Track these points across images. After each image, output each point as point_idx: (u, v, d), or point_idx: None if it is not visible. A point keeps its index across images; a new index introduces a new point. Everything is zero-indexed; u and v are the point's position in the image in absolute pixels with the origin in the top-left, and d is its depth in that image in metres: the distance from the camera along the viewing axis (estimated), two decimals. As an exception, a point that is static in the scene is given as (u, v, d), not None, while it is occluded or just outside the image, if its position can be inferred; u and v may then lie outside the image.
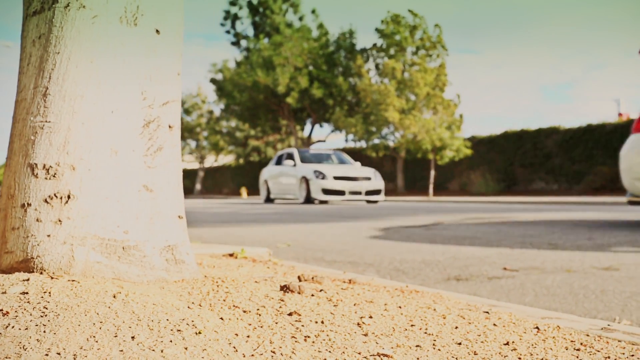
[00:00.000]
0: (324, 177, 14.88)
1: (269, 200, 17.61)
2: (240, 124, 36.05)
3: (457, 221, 6.87)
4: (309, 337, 0.90)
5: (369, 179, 15.52)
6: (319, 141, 32.21)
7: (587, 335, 1.00)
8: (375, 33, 26.86)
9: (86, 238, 1.18)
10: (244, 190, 31.82)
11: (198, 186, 41.58)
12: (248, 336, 0.88)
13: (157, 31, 1.33)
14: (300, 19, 34.47)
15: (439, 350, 0.87)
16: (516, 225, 6.11)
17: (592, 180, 20.00)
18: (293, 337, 0.90)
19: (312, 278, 1.39)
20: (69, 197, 1.18)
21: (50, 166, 1.18)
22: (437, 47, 26.07)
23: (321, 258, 3.78)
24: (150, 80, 1.31)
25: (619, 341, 0.97)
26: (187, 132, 41.39)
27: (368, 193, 15.28)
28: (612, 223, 6.18)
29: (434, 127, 22.82)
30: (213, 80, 32.38)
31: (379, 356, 0.83)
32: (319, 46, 28.53)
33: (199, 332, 0.85)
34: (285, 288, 1.23)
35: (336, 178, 15.02)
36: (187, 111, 41.47)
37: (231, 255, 2.08)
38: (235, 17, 35.78)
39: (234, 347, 0.82)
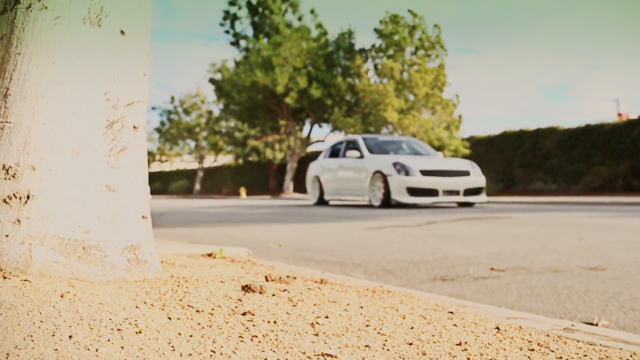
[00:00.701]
0: (407, 172, 10.89)
1: (322, 202, 13.97)
2: (239, 124, 36.03)
3: (451, 221, 6.86)
4: (256, 336, 0.90)
5: (466, 173, 11.50)
6: (317, 141, 32.18)
7: (548, 336, 1.00)
8: (374, 33, 26.85)
9: (45, 238, 1.18)
10: (243, 191, 31.81)
11: (197, 186, 41.56)
12: (191, 335, 0.88)
13: (122, 32, 1.33)
14: (300, 19, 34.46)
15: (387, 350, 0.87)
16: (510, 225, 6.10)
17: (591, 180, 19.99)
18: (240, 336, 0.90)
19: (280, 278, 1.38)
20: (28, 197, 1.18)
21: (10, 166, 1.18)
22: (436, 48, 26.04)
23: (310, 258, 3.77)
24: (114, 80, 1.31)
25: (578, 341, 0.96)
26: (187, 132, 41.38)
27: (467, 192, 11.31)
28: (606, 223, 6.17)
29: (432, 127, 22.81)
30: (212, 80, 32.36)
31: (323, 356, 0.83)
32: (318, 46, 28.51)
33: (140, 332, 0.85)
34: (246, 288, 1.23)
35: (424, 173, 11.02)
36: (186, 111, 41.44)
37: (210, 255, 2.08)
38: (234, 17, 35.76)
39: (172, 347, 0.81)
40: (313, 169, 14.53)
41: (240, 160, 38.36)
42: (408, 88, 24.53)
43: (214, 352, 0.81)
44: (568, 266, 3.16)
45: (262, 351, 0.83)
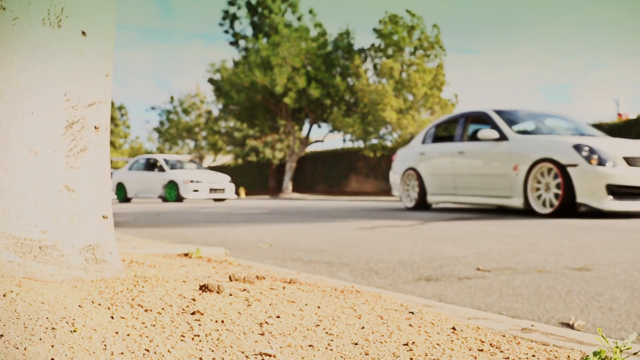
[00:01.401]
0: (603, 161, 6.92)
1: (423, 205, 9.88)
2: (238, 124, 36.05)
3: (446, 221, 6.86)
4: (198, 336, 0.90)
5: None
6: (316, 141, 32.20)
7: (503, 336, 0.99)
8: (373, 33, 26.85)
9: (0, 238, 1.18)
10: (242, 190, 31.81)
11: (197, 186, 41.53)
12: (128, 335, 0.88)
13: (84, 33, 1.33)
14: (299, 18, 34.46)
15: (331, 350, 0.87)
16: (504, 225, 6.10)
17: (589, 180, 19.99)
18: (182, 335, 0.90)
19: (244, 278, 1.38)
20: (-17, 197, 1.18)
21: (-34, 166, 1.17)
22: (435, 48, 26.06)
23: (299, 258, 3.77)
24: (75, 81, 1.31)
25: (532, 342, 0.96)
26: (186, 132, 41.39)
27: None
28: (597, 224, 6.17)
29: (430, 127, 22.81)
30: (211, 80, 32.37)
31: (262, 355, 0.82)
32: (317, 46, 28.51)
33: (74, 331, 0.85)
34: (204, 288, 1.23)
35: (630, 162, 7.04)
36: (185, 111, 41.46)
37: (186, 255, 2.08)
38: (233, 17, 35.77)
39: (105, 346, 0.81)
40: (404, 159, 10.35)
41: (240, 160, 38.37)
42: (407, 88, 24.54)
43: (147, 350, 0.81)
44: (554, 266, 3.16)
45: (200, 350, 0.83)
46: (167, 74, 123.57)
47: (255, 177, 38.86)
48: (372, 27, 26.76)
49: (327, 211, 10.47)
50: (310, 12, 32.31)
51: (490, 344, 0.93)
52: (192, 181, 18.05)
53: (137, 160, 21.10)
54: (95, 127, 1.34)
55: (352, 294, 1.38)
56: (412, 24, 26.11)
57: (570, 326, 1.89)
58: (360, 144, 27.53)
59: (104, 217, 1.37)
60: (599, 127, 21.05)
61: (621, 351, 0.80)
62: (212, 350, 0.84)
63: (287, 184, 30.54)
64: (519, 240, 4.48)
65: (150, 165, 20.10)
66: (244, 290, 1.25)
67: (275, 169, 36.55)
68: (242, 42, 35.84)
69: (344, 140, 29.11)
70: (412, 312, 1.15)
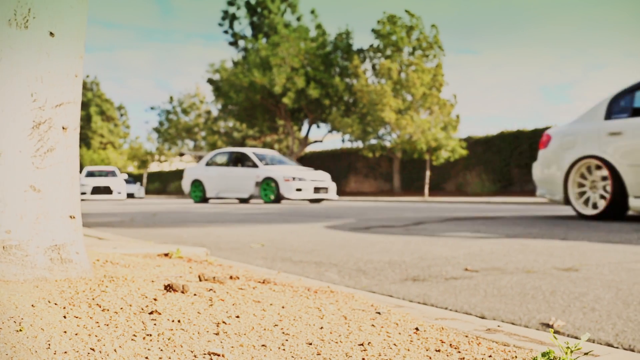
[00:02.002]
0: None
1: (617, 211, 6.25)
2: (237, 124, 36.06)
3: (440, 221, 6.85)
4: (150, 335, 0.90)
5: None
6: (316, 141, 32.20)
7: (466, 337, 0.99)
8: (372, 33, 26.86)
9: (-37, 238, 1.18)
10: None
11: (196, 186, 41.54)
12: (76, 334, 0.87)
13: (52, 34, 1.33)
14: (298, 19, 34.47)
15: (283, 350, 0.87)
16: (498, 225, 6.10)
17: (588, 180, 19.98)
18: (134, 335, 0.90)
19: (214, 278, 1.38)
20: (-53, 197, 1.17)
21: None
22: (434, 48, 26.07)
23: (289, 258, 3.77)
24: (42, 82, 1.31)
25: (493, 342, 0.96)
26: (185, 132, 41.41)
27: None
28: (592, 224, 6.16)
29: (429, 128, 22.82)
30: (210, 81, 32.39)
31: (210, 355, 0.82)
32: (316, 46, 28.52)
33: (20, 330, 0.85)
34: (168, 287, 1.23)
35: None
36: (185, 111, 41.48)
37: (166, 255, 2.08)
38: (233, 17, 35.80)
39: (49, 345, 0.81)
40: (575, 141, 6.73)
41: (239, 161, 38.32)
42: (405, 88, 24.55)
43: (93, 350, 0.81)
44: (542, 267, 3.16)
45: (148, 350, 0.83)
46: (167, 74, 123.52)
47: (255, 177, 38.86)
48: (371, 27, 26.77)
49: (324, 211, 10.47)
50: (312, 12, 32.30)
51: (450, 344, 0.93)
52: (294, 178, 15.48)
53: (216, 154, 18.13)
54: (63, 128, 1.34)
55: (325, 294, 1.38)
56: (410, 24, 26.12)
57: (549, 326, 1.89)
58: (359, 144, 27.54)
59: (71, 217, 1.37)
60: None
61: (571, 351, 0.80)
62: (161, 350, 0.84)
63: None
64: (511, 241, 4.48)
65: (236, 160, 17.15)
66: (210, 290, 1.26)
67: (275, 169, 36.50)
68: (241, 42, 35.87)
69: (343, 141, 29.13)
70: (379, 313, 1.15)
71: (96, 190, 25.85)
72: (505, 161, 23.85)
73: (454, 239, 4.74)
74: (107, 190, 26.13)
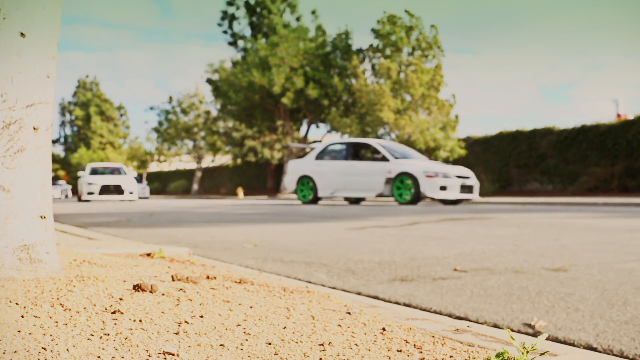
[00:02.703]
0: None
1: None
2: (236, 124, 36.07)
3: (435, 221, 6.85)
4: (107, 335, 0.90)
5: None
6: (315, 141, 32.21)
7: (433, 337, 0.99)
8: (371, 33, 26.86)
9: None
10: (240, 191, 31.82)
11: (195, 186, 41.58)
12: (30, 333, 0.88)
13: (22, 34, 1.33)
14: (298, 19, 34.47)
15: (240, 350, 0.87)
16: (492, 225, 6.10)
17: (586, 181, 19.98)
18: (91, 335, 0.90)
19: (187, 278, 1.39)
20: None
21: None
22: (433, 48, 26.06)
23: (280, 258, 3.77)
24: (12, 82, 1.31)
25: (459, 342, 0.96)
26: (185, 132, 41.41)
27: None
28: (587, 224, 6.16)
29: (427, 128, 22.82)
30: (209, 81, 32.38)
31: (164, 354, 0.83)
32: (315, 47, 28.52)
33: None
34: (137, 287, 1.23)
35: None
36: (184, 111, 41.48)
37: (149, 255, 2.08)
38: (232, 18, 35.80)
39: None
40: None
41: (239, 161, 38.38)
42: (404, 88, 24.54)
43: (44, 349, 0.81)
44: (532, 267, 3.15)
45: (102, 349, 0.84)
46: (166, 74, 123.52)
47: (254, 178, 38.88)
48: (371, 27, 26.77)
49: (321, 211, 10.47)
50: (313, 12, 32.27)
51: (414, 345, 0.93)
52: (437, 174, 13.09)
53: (329, 145, 15.57)
54: (34, 128, 1.34)
55: (302, 295, 1.38)
56: (410, 24, 26.12)
57: (531, 327, 1.89)
58: (358, 144, 27.50)
59: (41, 217, 1.38)
60: (596, 128, 21.02)
61: (527, 352, 0.80)
62: (116, 349, 0.84)
63: (286, 185, 30.52)
64: (504, 241, 4.48)
65: (357, 153, 14.74)
66: (180, 290, 1.26)
67: (274, 169, 36.56)
68: (240, 42, 35.88)
69: (342, 141, 29.12)
70: (350, 313, 1.15)
71: (105, 190, 22.82)
72: (504, 161, 23.86)
73: (446, 239, 4.74)
74: (117, 189, 23.01)
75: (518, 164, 23.39)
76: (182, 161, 47.76)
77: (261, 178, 38.13)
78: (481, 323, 1.97)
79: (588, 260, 3.37)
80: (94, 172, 24.48)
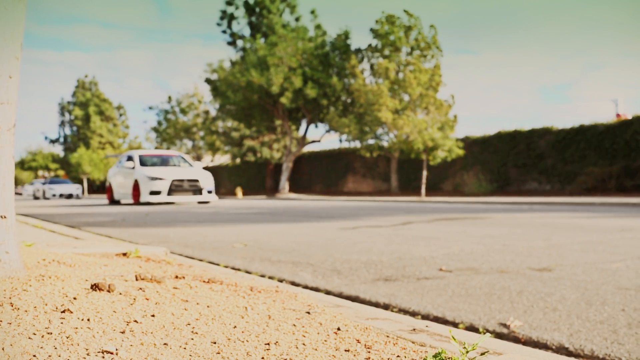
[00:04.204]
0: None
1: None
2: (235, 124, 36.07)
3: (428, 221, 6.85)
4: (50, 334, 0.90)
5: None
6: (313, 141, 32.20)
7: (387, 337, 0.99)
8: (370, 33, 26.83)
9: None
10: (239, 190, 31.81)
11: (195, 186, 41.52)
12: None
13: None
14: (297, 19, 34.45)
15: (184, 349, 0.87)
16: (484, 225, 6.10)
17: (584, 180, 19.96)
18: (33, 333, 0.90)
19: (151, 277, 1.39)
20: None
21: None
22: (432, 48, 26.04)
23: (268, 258, 3.77)
24: None
25: (411, 342, 0.96)
26: (184, 131, 41.40)
27: None
28: (578, 224, 6.16)
29: (425, 128, 22.81)
30: (208, 80, 32.36)
31: (103, 352, 0.83)
32: (314, 46, 28.50)
33: None
34: (94, 286, 1.23)
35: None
36: (183, 111, 41.47)
37: (125, 254, 2.08)
38: (231, 17, 35.76)
39: None
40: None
41: (238, 160, 38.36)
42: (402, 88, 24.53)
43: None
44: (518, 267, 3.15)
45: (41, 348, 0.84)
46: (166, 74, 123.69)
47: (253, 177, 38.86)
48: (370, 27, 26.75)
49: (317, 211, 10.47)
50: (312, 12, 32.23)
51: (365, 344, 0.93)
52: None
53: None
54: (-3, 128, 1.34)
55: (269, 294, 1.38)
56: (409, 24, 26.10)
57: (507, 327, 1.89)
58: (356, 144, 27.53)
59: (1, 217, 1.37)
60: (595, 128, 21.00)
61: (467, 352, 0.80)
62: (55, 348, 0.84)
63: (284, 184, 30.50)
64: (493, 241, 4.48)
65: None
66: (140, 289, 1.26)
67: (273, 169, 36.54)
68: (239, 42, 35.85)
69: (341, 141, 29.11)
70: (309, 313, 1.15)
71: (177, 188, 15.48)
72: (503, 161, 23.83)
73: (436, 239, 4.74)
74: (194, 187, 15.73)
75: (516, 164, 23.37)
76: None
77: (259, 178, 38.12)
78: (457, 323, 1.97)
79: (574, 260, 3.36)
80: (145, 162, 17.04)
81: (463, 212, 9.23)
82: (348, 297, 2.43)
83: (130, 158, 17.23)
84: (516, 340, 1.76)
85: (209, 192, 16.30)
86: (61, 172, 64.66)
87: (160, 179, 15.56)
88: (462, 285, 2.64)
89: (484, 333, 1.85)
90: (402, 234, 5.25)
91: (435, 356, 0.80)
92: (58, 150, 70.59)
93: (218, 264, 3.46)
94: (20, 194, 59.13)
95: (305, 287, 2.70)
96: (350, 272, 3.13)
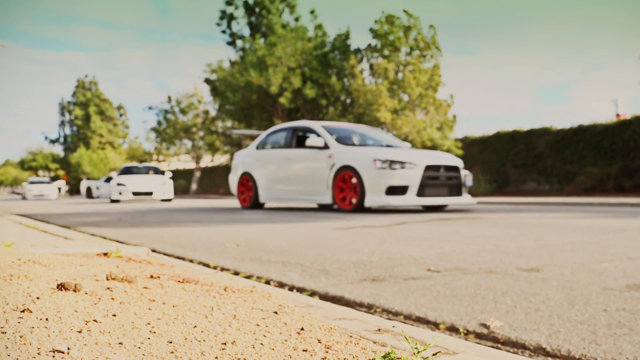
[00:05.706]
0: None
1: None
2: (235, 124, 36.07)
3: (423, 222, 6.85)
4: (4, 333, 0.90)
5: None
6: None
7: (351, 337, 0.99)
8: (369, 33, 26.84)
9: None
10: (238, 190, 31.77)
11: (194, 186, 41.56)
12: None
13: None
14: (297, 19, 34.45)
15: (138, 348, 0.87)
16: (478, 226, 6.09)
17: (583, 181, 19.95)
18: None
19: (122, 277, 1.39)
20: None
21: None
22: (431, 48, 26.05)
23: (258, 258, 3.77)
24: None
25: (373, 342, 0.96)
26: (183, 131, 41.39)
27: None
28: (573, 224, 6.16)
29: (424, 128, 22.82)
30: (207, 80, 32.38)
31: (54, 352, 0.83)
32: (313, 46, 28.52)
33: None
34: (60, 286, 1.23)
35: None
36: (182, 111, 41.47)
37: (105, 254, 2.08)
38: (231, 17, 35.78)
39: None
40: None
41: (237, 160, 38.29)
42: (401, 88, 24.54)
43: None
44: (506, 267, 3.15)
45: None
46: (165, 74, 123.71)
47: (253, 177, 38.81)
48: (369, 27, 26.75)
49: (314, 211, 10.46)
50: (312, 12, 32.24)
51: (325, 345, 0.93)
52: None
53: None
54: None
55: (242, 294, 1.38)
56: (408, 24, 26.11)
57: (487, 327, 1.89)
58: (356, 144, 27.48)
59: None
60: (594, 128, 20.99)
61: (419, 352, 0.80)
62: (7, 347, 0.84)
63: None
64: (485, 241, 4.47)
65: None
66: (107, 289, 1.26)
67: (272, 169, 36.46)
68: (239, 42, 35.86)
69: (340, 141, 29.09)
70: (276, 312, 1.15)
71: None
72: (502, 161, 23.83)
73: (428, 239, 4.74)
74: None
75: (515, 164, 23.37)
76: (180, 161, 47.77)
77: (260, 178, 38.06)
78: (438, 323, 1.97)
79: (564, 260, 3.36)
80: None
81: (459, 212, 9.22)
82: (333, 297, 2.43)
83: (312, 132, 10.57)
84: (495, 340, 1.76)
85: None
86: (61, 172, 64.66)
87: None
88: (448, 286, 2.64)
89: (464, 333, 1.85)
90: (396, 234, 5.25)
91: (384, 356, 0.80)
92: (58, 150, 70.64)
93: (208, 264, 3.47)
94: (19, 194, 59.17)
95: (292, 287, 2.70)
96: (339, 272, 3.13)
